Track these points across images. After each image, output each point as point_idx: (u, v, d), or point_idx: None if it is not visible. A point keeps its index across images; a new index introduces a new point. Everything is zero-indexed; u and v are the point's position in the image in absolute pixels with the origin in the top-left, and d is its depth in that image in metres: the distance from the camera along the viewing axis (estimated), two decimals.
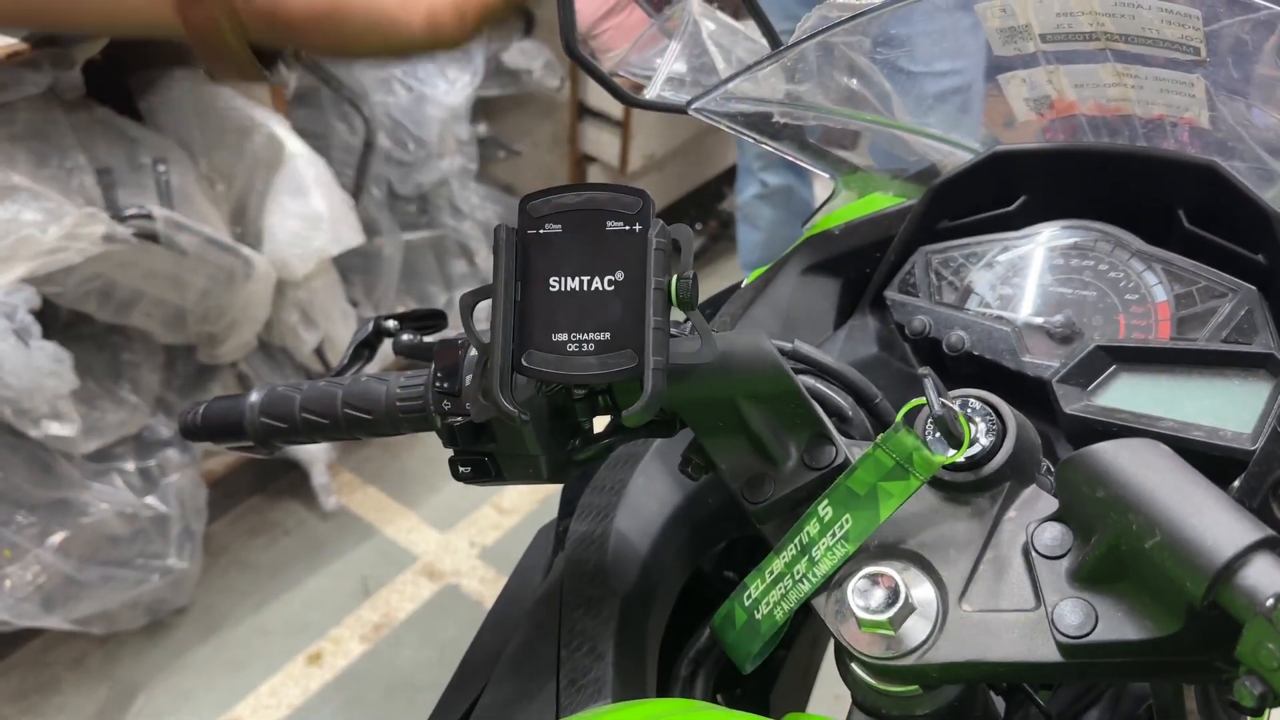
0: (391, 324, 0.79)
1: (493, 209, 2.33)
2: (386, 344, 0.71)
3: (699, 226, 2.95)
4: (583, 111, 2.49)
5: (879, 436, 0.49)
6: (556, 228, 0.49)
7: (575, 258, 0.48)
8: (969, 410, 0.50)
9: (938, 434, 0.49)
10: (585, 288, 0.48)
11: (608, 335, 0.47)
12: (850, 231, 0.72)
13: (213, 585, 1.90)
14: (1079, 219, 0.65)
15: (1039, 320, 0.63)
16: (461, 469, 0.58)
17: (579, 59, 0.61)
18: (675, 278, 0.47)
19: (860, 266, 0.72)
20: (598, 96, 2.43)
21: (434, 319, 0.82)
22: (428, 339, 0.75)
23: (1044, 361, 0.61)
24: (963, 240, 0.67)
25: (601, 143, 2.52)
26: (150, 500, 1.67)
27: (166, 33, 0.53)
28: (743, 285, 0.78)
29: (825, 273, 0.73)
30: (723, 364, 0.51)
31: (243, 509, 2.04)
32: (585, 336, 0.48)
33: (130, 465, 1.67)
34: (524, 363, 0.48)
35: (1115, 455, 0.41)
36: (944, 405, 0.48)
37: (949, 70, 0.94)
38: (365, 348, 0.80)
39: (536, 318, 0.48)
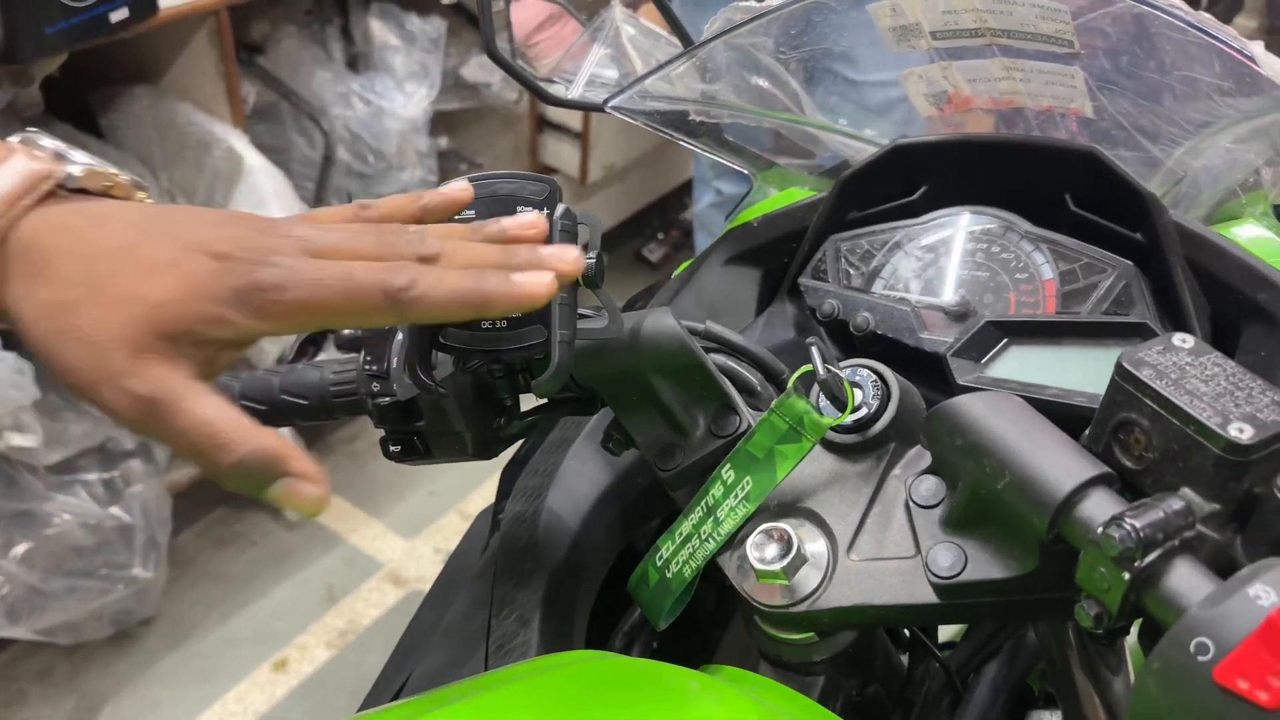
0: None
1: None
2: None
3: (661, 236, 3.00)
4: (542, 124, 2.53)
5: (773, 402, 0.52)
6: (470, 212, 0.52)
7: None
8: (857, 377, 0.54)
9: (826, 400, 0.53)
10: None
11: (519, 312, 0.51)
12: (768, 223, 0.76)
13: (180, 596, 1.91)
14: (975, 205, 0.70)
15: (936, 300, 0.67)
16: (392, 448, 0.61)
17: (498, 59, 0.64)
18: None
19: (778, 256, 0.76)
20: (557, 110, 2.47)
21: None
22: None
23: (940, 338, 0.65)
24: (869, 229, 0.71)
25: (561, 154, 2.57)
26: (115, 511, 1.69)
27: None
28: (671, 277, 0.81)
29: (746, 262, 0.77)
30: (631, 340, 0.55)
31: (210, 520, 2.05)
32: None
33: (94, 476, 1.68)
34: (442, 339, 0.52)
35: (970, 406, 0.45)
36: (829, 371, 0.52)
37: (890, 80, 0.98)
38: (310, 344, 0.83)
39: None
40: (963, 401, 0.46)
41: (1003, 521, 0.46)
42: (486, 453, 0.61)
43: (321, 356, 0.74)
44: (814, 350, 0.52)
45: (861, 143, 0.76)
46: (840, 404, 0.52)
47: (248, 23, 1.99)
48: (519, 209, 0.52)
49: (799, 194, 0.78)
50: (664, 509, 0.74)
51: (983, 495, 0.45)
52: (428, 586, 0.74)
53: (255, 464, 0.43)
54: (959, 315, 0.66)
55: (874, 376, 0.54)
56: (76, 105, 1.82)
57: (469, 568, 0.73)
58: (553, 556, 0.65)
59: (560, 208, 0.51)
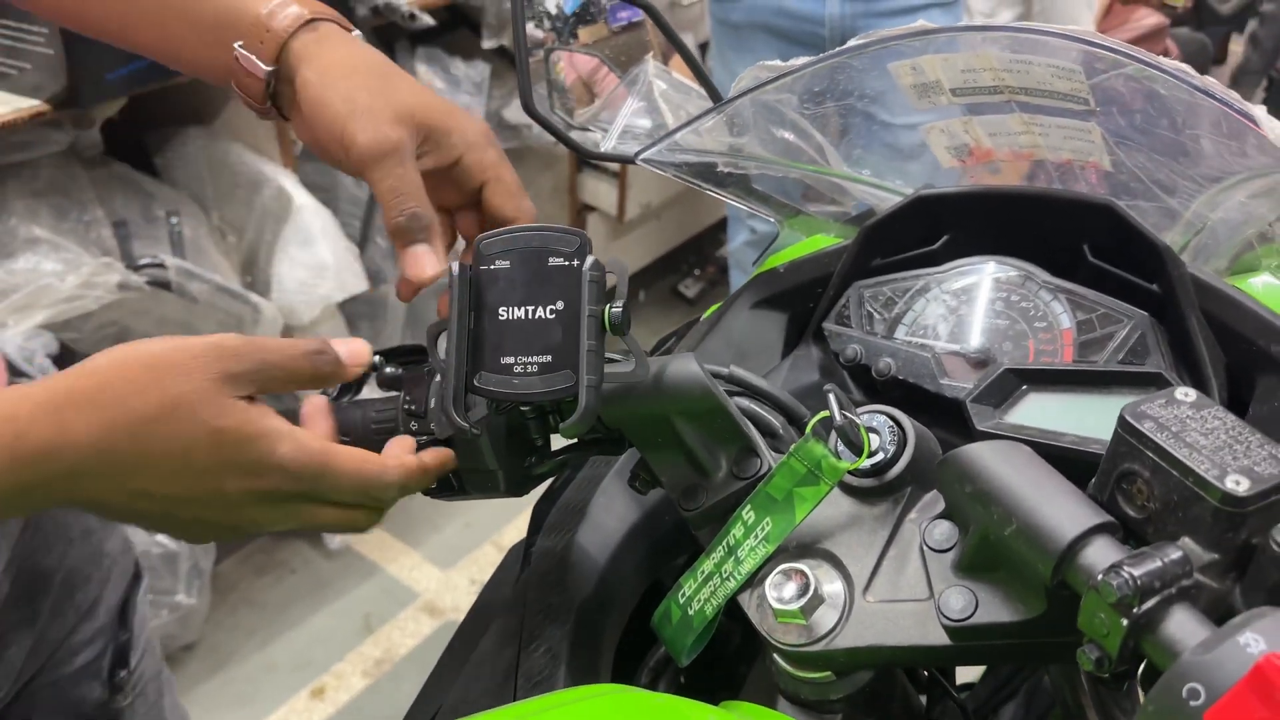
0: (377, 359, 0.86)
1: None
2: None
3: (697, 272, 3.03)
4: (581, 163, 2.58)
5: (792, 446, 0.55)
6: (505, 263, 0.55)
7: (521, 290, 0.55)
8: (874, 423, 0.56)
9: (844, 444, 0.55)
10: (530, 316, 0.54)
11: (549, 358, 0.54)
12: (794, 269, 0.78)
13: (221, 622, 1.95)
14: (995, 255, 0.72)
15: (956, 347, 0.69)
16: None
17: (536, 116, 0.68)
18: (608, 307, 0.54)
19: (804, 301, 0.78)
20: None
21: (417, 353, 0.89)
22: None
23: (960, 384, 0.67)
24: (892, 276, 0.73)
25: (600, 193, 2.61)
26: (160, 538, 1.74)
27: None
28: (700, 319, 0.84)
29: (773, 307, 0.79)
30: (656, 384, 0.58)
31: (251, 548, 2.09)
32: (530, 359, 0.54)
33: None
34: (476, 383, 0.55)
35: (980, 454, 0.47)
36: (845, 416, 0.54)
37: (917, 123, 1.00)
38: (353, 381, 0.87)
39: (488, 343, 0.55)
40: (972, 450, 0.48)
41: (1011, 566, 0.47)
42: (518, 490, 0.64)
43: (364, 394, 0.77)
44: (831, 397, 0.54)
45: (886, 192, 0.78)
46: (857, 449, 0.54)
47: None
48: (550, 260, 0.55)
49: (824, 241, 0.81)
50: (690, 546, 0.75)
51: (992, 541, 0.47)
52: (462, 617, 0.76)
53: (421, 222, 0.68)
54: (979, 362, 0.68)
55: (891, 422, 0.56)
56: (133, 146, 1.89)
57: (501, 600, 0.75)
58: (581, 591, 0.67)
59: (589, 260, 0.54)
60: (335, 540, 2.10)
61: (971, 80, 0.66)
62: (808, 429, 0.54)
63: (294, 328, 1.89)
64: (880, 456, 0.55)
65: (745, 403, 0.64)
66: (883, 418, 0.56)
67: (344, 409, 0.69)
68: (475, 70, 2.23)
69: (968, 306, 0.70)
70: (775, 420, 0.64)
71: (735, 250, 2.21)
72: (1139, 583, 0.39)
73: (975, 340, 0.69)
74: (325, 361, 0.57)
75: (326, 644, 1.90)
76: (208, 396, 0.51)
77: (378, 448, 0.68)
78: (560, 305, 0.54)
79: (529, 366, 0.54)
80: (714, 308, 0.84)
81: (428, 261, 0.68)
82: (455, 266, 0.55)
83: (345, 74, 0.66)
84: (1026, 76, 0.64)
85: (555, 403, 0.56)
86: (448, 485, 0.63)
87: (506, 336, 0.54)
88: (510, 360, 0.54)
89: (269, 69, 0.67)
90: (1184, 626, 0.39)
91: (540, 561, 0.70)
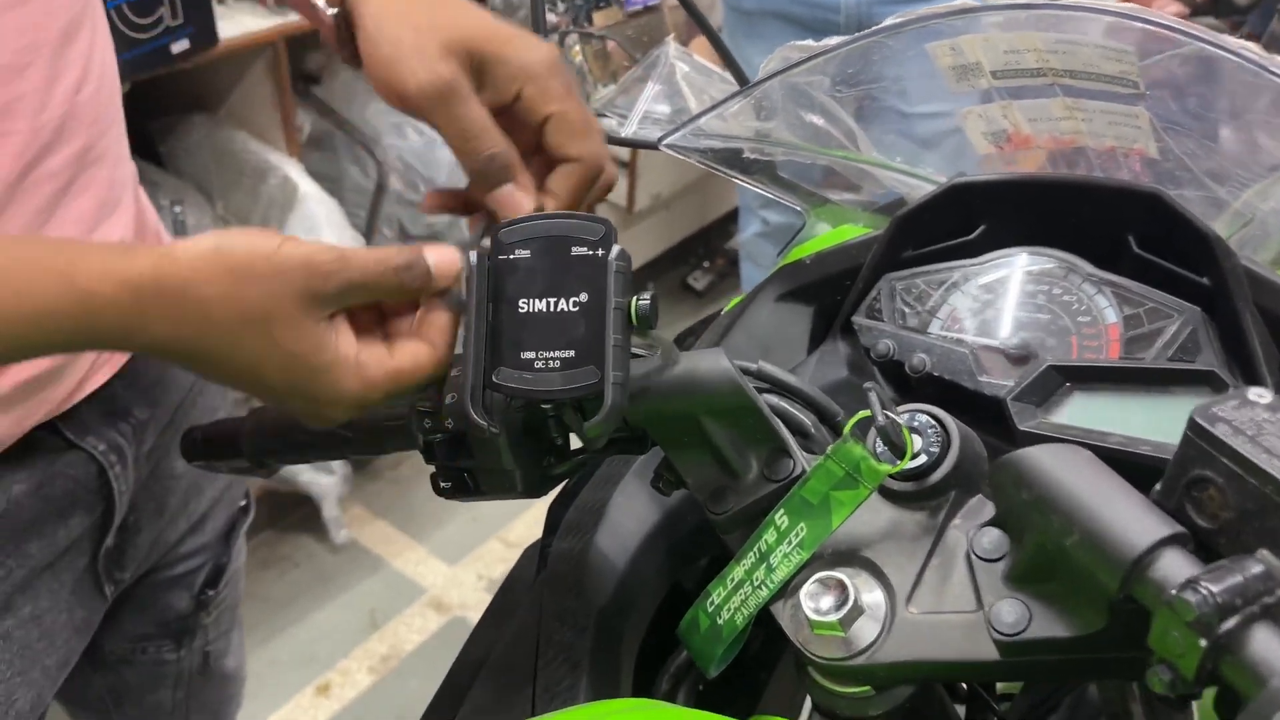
0: None
1: None
2: None
3: (707, 264, 3.00)
4: None
5: (829, 448, 0.51)
6: (525, 253, 0.52)
7: (542, 281, 0.52)
8: (916, 423, 0.53)
9: (884, 445, 0.52)
10: (552, 308, 0.51)
11: (572, 353, 0.51)
12: (821, 261, 0.75)
13: None
14: (1035, 246, 0.68)
15: (995, 342, 0.65)
16: (442, 484, 0.61)
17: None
18: (634, 299, 0.51)
19: (831, 294, 0.75)
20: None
21: None
22: None
23: (1000, 381, 0.64)
24: (925, 268, 0.70)
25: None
26: None
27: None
28: (721, 313, 0.81)
29: (798, 300, 0.76)
30: (683, 381, 0.55)
31: (254, 543, 2.07)
32: (551, 354, 0.51)
33: None
34: (495, 379, 0.52)
35: (1038, 459, 0.44)
36: (887, 417, 0.51)
37: (940, 112, 0.97)
38: None
39: (507, 337, 0.52)
40: (1031, 453, 0.44)
41: (1070, 578, 0.44)
42: (536, 491, 0.61)
43: None
44: (872, 395, 0.51)
45: (917, 179, 0.75)
46: (899, 450, 0.51)
47: (304, 54, 2.03)
48: (573, 249, 0.52)
49: (852, 231, 0.77)
50: (713, 548, 0.73)
51: (1049, 551, 0.44)
52: (470, 613, 0.74)
53: (500, 162, 0.59)
54: (1019, 358, 0.65)
55: (933, 422, 0.53)
56: (137, 133, 1.85)
57: (516, 604, 0.73)
58: (600, 595, 0.64)
59: (615, 249, 0.51)
60: (340, 534, 2.07)
61: (1014, 62, 0.63)
62: (846, 429, 0.51)
63: None
64: (923, 459, 0.52)
65: (775, 400, 0.61)
66: (925, 417, 0.53)
67: None
68: None
69: (1006, 300, 0.67)
70: (807, 419, 0.61)
71: (747, 242, 2.17)
72: (1219, 600, 0.36)
73: (1015, 335, 0.66)
74: (414, 277, 0.53)
75: (331, 640, 1.87)
76: (287, 316, 0.50)
77: (386, 448, 0.65)
78: (584, 297, 0.51)
79: (551, 362, 0.51)
80: (735, 301, 0.81)
81: (520, 199, 0.60)
82: (472, 256, 0.52)
83: (396, 12, 0.59)
84: (1072, 58, 0.61)
85: (578, 400, 0.53)
86: (463, 485, 0.60)
87: (527, 330, 0.51)
88: (531, 355, 0.51)
89: (333, 10, 0.62)
90: (1270, 649, 0.36)
91: (557, 564, 0.68)
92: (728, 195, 2.92)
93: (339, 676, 1.82)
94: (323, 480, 1.97)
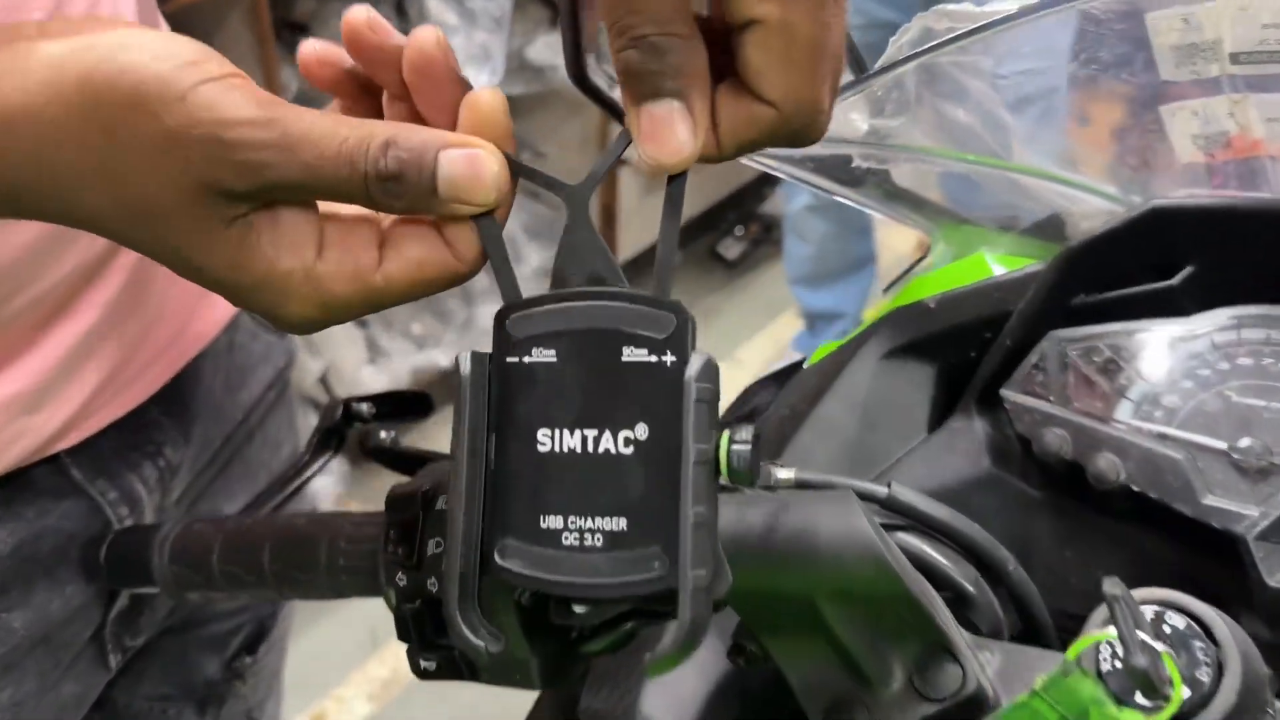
0: (365, 408, 0.64)
1: (517, 217, 2.18)
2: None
3: (739, 231, 2.78)
4: None
5: (1037, 682, 0.32)
6: (549, 355, 0.33)
7: (576, 402, 0.32)
8: (1166, 629, 0.33)
9: (1118, 665, 0.33)
10: (590, 448, 0.32)
11: (624, 523, 0.31)
12: (950, 304, 0.55)
13: None
14: (1267, 301, 0.49)
15: (1221, 444, 0.46)
16: (424, 663, 0.42)
17: (590, 89, 0.44)
18: (727, 438, 0.31)
19: (963, 350, 0.55)
20: None
21: (417, 405, 0.67)
22: (405, 442, 0.61)
23: (1234, 507, 0.44)
24: (1109, 326, 0.50)
25: (632, 145, 2.36)
26: None
27: None
28: (805, 366, 0.61)
29: (915, 356, 0.56)
30: (794, 545, 0.35)
31: None
32: (590, 524, 0.32)
33: None
34: (497, 559, 0.32)
35: None
36: (1144, 647, 0.31)
37: (1027, 70, 0.75)
38: (332, 435, 0.66)
39: (518, 491, 0.32)
40: None
41: None
42: (558, 680, 0.42)
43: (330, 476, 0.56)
44: (1119, 607, 0.31)
45: (1087, 193, 0.54)
46: (1155, 688, 0.32)
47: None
48: (625, 352, 0.32)
49: (986, 265, 0.57)
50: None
51: None
52: None
53: (672, 61, 0.34)
54: (1260, 470, 0.45)
55: (1194, 627, 0.33)
56: None
57: None
58: None
59: (695, 360, 0.31)
60: None
61: (1271, 41, 0.43)
62: (1068, 655, 0.31)
63: None
64: (1186, 694, 0.32)
65: (913, 542, 0.42)
66: (1180, 618, 0.33)
67: (300, 529, 0.47)
68: (494, 4, 1.97)
69: (1233, 380, 0.47)
70: (962, 575, 0.41)
71: (794, 215, 1.95)
72: None
73: (1247, 435, 0.46)
74: (405, 191, 0.34)
75: (327, 661, 1.70)
76: (175, 215, 0.34)
77: (345, 595, 0.47)
78: (642, 432, 0.31)
79: (588, 536, 0.31)
80: (824, 348, 0.61)
81: (677, 130, 0.37)
82: (466, 360, 0.33)
83: None
84: None
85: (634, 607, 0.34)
86: (456, 669, 0.41)
87: (550, 481, 0.32)
88: (557, 523, 0.32)
89: None
90: None
91: None
92: None
93: (335, 705, 1.65)
94: (316, 480, 1.79)
